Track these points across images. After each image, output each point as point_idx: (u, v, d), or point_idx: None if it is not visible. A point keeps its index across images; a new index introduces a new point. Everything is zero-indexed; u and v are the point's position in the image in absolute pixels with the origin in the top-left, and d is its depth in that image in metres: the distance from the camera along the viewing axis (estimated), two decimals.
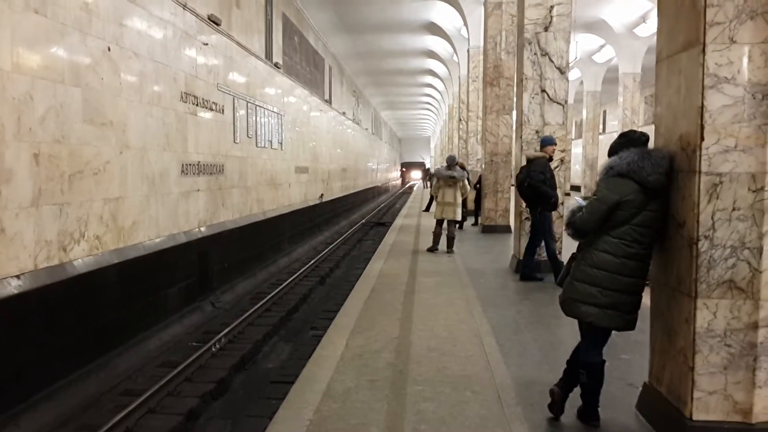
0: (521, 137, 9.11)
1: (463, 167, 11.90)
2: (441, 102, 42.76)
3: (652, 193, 3.51)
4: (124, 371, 6.93)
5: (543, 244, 8.45)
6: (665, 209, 3.59)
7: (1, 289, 5.30)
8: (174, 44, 8.89)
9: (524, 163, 8.92)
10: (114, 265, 7.10)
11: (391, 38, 23.97)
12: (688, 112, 3.39)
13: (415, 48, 26.12)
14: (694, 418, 3.34)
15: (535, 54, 8.84)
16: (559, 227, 8.55)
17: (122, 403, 5.89)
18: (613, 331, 3.75)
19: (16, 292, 5.45)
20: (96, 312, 6.81)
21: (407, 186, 65.21)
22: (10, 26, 5.48)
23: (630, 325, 3.66)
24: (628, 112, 24.97)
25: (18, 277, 5.55)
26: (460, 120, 23.56)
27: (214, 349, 7.66)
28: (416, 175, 68.18)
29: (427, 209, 20.39)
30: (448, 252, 11.10)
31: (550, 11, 8.78)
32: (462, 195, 11.21)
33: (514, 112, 10.74)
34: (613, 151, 3.74)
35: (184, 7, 9.20)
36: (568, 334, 5.16)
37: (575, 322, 3.84)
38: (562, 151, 8.78)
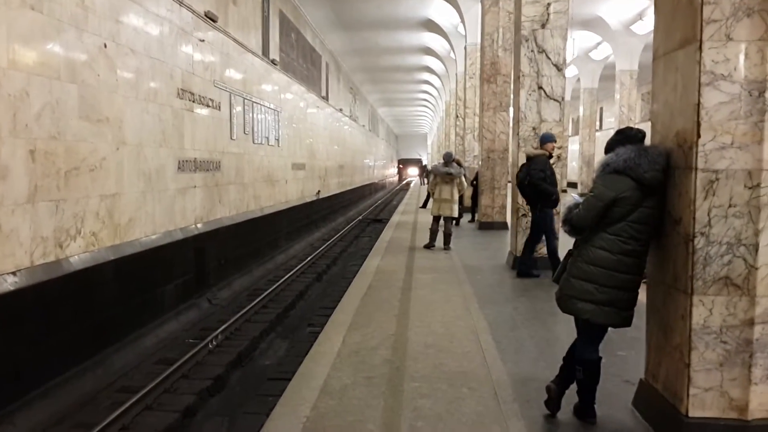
0: (518, 134, 9.10)
1: (459, 164, 11.90)
2: (438, 99, 42.74)
3: (648, 189, 3.51)
4: (120, 368, 6.92)
5: (543, 241, 8.45)
6: (662, 206, 3.59)
7: None
8: (170, 41, 8.87)
9: (522, 160, 8.93)
10: (110, 261, 7.09)
11: (388, 35, 23.93)
12: (685, 109, 3.39)
13: (412, 45, 26.09)
14: (690, 414, 3.35)
15: (532, 51, 8.84)
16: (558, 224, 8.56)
17: (119, 400, 5.88)
18: (609, 328, 3.76)
19: (12, 288, 5.44)
20: (92, 309, 6.80)
21: (404, 183, 65.21)
22: (6, 22, 5.45)
23: (626, 321, 3.67)
24: (625, 109, 24.98)
25: (14, 273, 5.54)
26: (457, 117, 23.54)
27: (210, 346, 7.66)
28: (413, 171, 68.14)
29: (424, 206, 20.39)
30: (445, 249, 11.11)
31: (547, 8, 8.78)
32: (459, 192, 11.22)
33: (511, 109, 10.75)
34: (609, 148, 3.74)
35: (181, 3, 9.17)
36: (565, 330, 5.16)
37: (572, 318, 3.84)
38: (559, 147, 8.77)
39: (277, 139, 15.36)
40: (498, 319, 6.28)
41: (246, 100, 12.65)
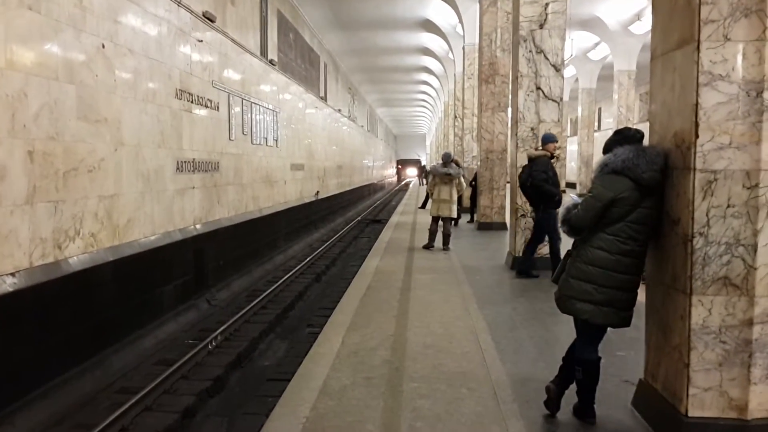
0: (516, 134, 9.11)
1: (457, 164, 11.90)
2: (437, 99, 42.75)
3: (646, 190, 3.52)
4: (119, 369, 6.92)
5: (545, 241, 8.43)
6: (660, 206, 3.60)
7: None
8: (169, 41, 8.86)
9: (521, 160, 8.94)
10: (109, 262, 7.09)
11: (387, 35, 23.94)
12: (683, 109, 3.40)
13: (410, 45, 26.10)
14: (690, 414, 3.36)
15: (530, 51, 8.85)
16: None
17: (118, 401, 5.88)
18: (608, 328, 3.76)
19: (11, 289, 5.44)
20: (91, 310, 6.80)
21: (403, 183, 65.21)
22: (4, 23, 5.45)
23: (625, 322, 3.67)
24: (623, 110, 25.00)
25: (13, 274, 5.53)
26: (455, 117, 23.55)
27: (210, 347, 7.66)
28: (412, 172, 68.13)
29: (423, 206, 20.40)
30: (444, 249, 11.11)
31: (545, 8, 8.79)
32: (458, 192, 11.22)
33: (510, 110, 10.76)
34: (608, 148, 3.74)
35: (179, 3, 9.17)
36: (564, 331, 5.17)
37: (571, 319, 3.84)
38: (558, 148, 8.77)
39: (276, 140, 15.35)
40: (497, 320, 6.28)
41: (244, 101, 12.65)
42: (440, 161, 11.43)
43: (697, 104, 3.27)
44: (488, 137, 14.37)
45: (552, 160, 8.21)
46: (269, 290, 10.76)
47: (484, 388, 4.40)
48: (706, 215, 3.29)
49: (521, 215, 9.11)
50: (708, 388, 3.35)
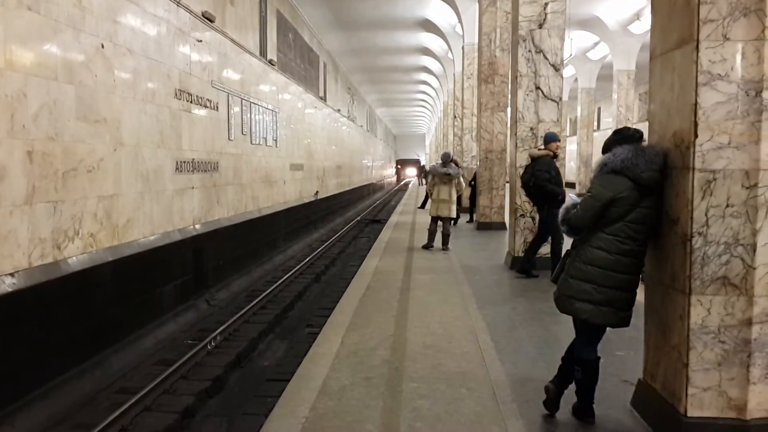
0: (516, 134, 9.11)
1: (456, 164, 11.91)
2: (436, 99, 42.76)
3: (646, 189, 3.52)
4: (119, 369, 6.92)
5: (549, 241, 8.43)
6: (659, 206, 3.60)
7: None
8: (168, 41, 8.86)
9: (520, 160, 8.94)
10: (108, 262, 7.08)
11: (386, 35, 23.94)
12: (682, 109, 3.40)
13: (409, 45, 26.10)
14: (689, 414, 3.36)
15: (529, 51, 8.85)
16: None
17: (118, 401, 5.87)
18: (607, 328, 3.76)
19: (10, 290, 5.44)
20: (91, 310, 6.79)
21: (402, 183, 65.21)
22: (3, 23, 5.45)
23: (624, 321, 3.68)
24: (623, 109, 25.01)
25: (12, 275, 5.53)
26: (455, 117, 23.55)
27: (209, 347, 7.66)
28: (411, 172, 68.13)
29: (423, 206, 20.40)
30: (443, 249, 11.11)
31: (545, 8, 8.79)
32: (457, 192, 11.22)
33: (509, 109, 10.77)
34: (607, 148, 3.75)
35: (178, 3, 9.17)
36: (563, 331, 5.17)
37: (570, 318, 3.85)
38: (557, 147, 8.77)
39: (275, 140, 15.35)
40: (496, 320, 6.29)
41: (244, 101, 12.65)
42: (439, 161, 11.43)
43: (696, 104, 3.27)
44: (487, 137, 14.37)
45: (555, 159, 8.20)
46: (269, 290, 10.76)
47: (484, 388, 4.40)
48: (705, 215, 3.29)
49: (520, 215, 9.11)
50: (707, 388, 3.35)
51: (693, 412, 3.35)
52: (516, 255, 9.12)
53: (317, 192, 20.91)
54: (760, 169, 3.21)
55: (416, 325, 6.05)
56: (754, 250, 3.25)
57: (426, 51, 27.19)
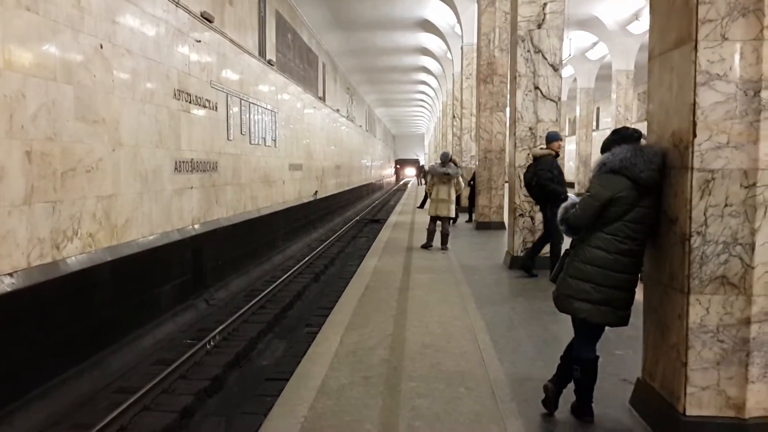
0: (515, 134, 9.12)
1: (455, 164, 11.91)
2: (435, 99, 42.78)
3: (644, 189, 3.52)
4: (118, 369, 6.92)
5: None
6: (658, 206, 3.60)
7: None
8: (167, 41, 8.86)
9: (519, 160, 8.95)
10: (107, 262, 7.08)
11: (385, 35, 23.94)
12: (681, 108, 3.40)
13: (408, 45, 26.10)
14: (687, 413, 3.36)
15: (528, 51, 8.85)
16: None
17: (116, 401, 5.87)
18: (606, 327, 3.77)
19: (9, 290, 5.43)
20: (89, 310, 6.79)
21: (401, 183, 65.22)
22: (1, 24, 5.45)
23: (623, 321, 3.68)
24: (621, 109, 25.03)
25: (11, 275, 5.53)
26: (453, 117, 23.56)
27: (208, 347, 7.65)
28: (410, 172, 68.15)
29: (422, 206, 20.41)
30: (442, 249, 11.11)
31: (543, 8, 8.79)
32: (456, 192, 11.23)
33: (508, 109, 10.76)
34: (605, 147, 3.75)
35: (177, 4, 9.17)
36: (562, 330, 5.17)
37: (569, 318, 3.85)
38: (559, 147, 8.76)
39: (274, 140, 15.35)
40: (495, 319, 6.29)
41: (243, 101, 12.64)
42: (438, 161, 11.43)
43: (694, 103, 3.27)
44: (486, 137, 14.38)
45: (557, 158, 8.20)
46: (268, 290, 10.76)
47: (483, 387, 4.40)
48: (704, 214, 3.30)
49: (519, 215, 9.11)
50: (705, 387, 3.35)
51: (692, 411, 3.36)
52: (515, 254, 9.13)
53: (316, 192, 20.91)
54: (759, 168, 3.22)
55: (415, 324, 6.06)
56: (753, 250, 3.26)
57: (425, 51, 27.20)
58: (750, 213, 3.25)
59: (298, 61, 19.32)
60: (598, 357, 3.79)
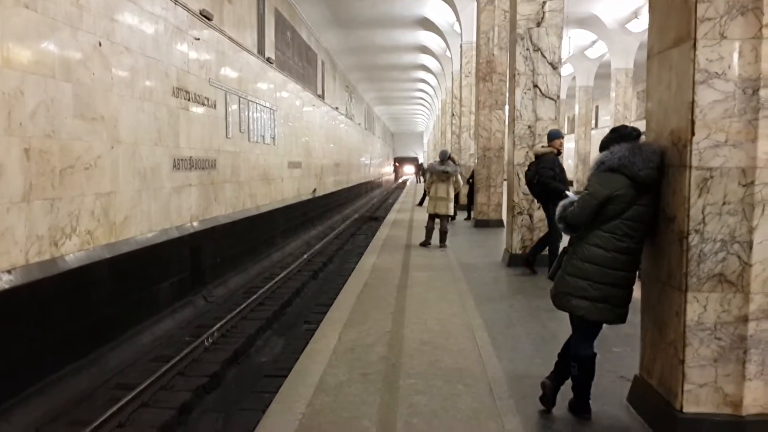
0: (514, 132, 9.12)
1: (454, 162, 11.91)
2: (434, 97, 42.75)
3: (642, 187, 3.53)
4: (116, 366, 6.92)
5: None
6: (656, 204, 3.61)
7: None
8: (165, 39, 8.85)
9: (518, 158, 8.96)
10: (106, 260, 7.08)
11: (384, 33, 23.92)
12: (679, 107, 3.41)
13: (407, 43, 26.08)
14: (685, 410, 3.37)
15: (527, 49, 8.85)
16: None
17: (115, 397, 5.87)
18: (604, 325, 3.78)
19: (7, 287, 5.43)
20: (88, 307, 6.79)
21: (400, 181, 65.23)
22: (0, 21, 5.44)
23: (621, 318, 3.69)
24: (621, 108, 25.02)
25: (9, 272, 5.53)
26: (453, 115, 23.57)
27: (206, 344, 7.66)
28: (409, 170, 68.15)
29: (421, 203, 20.41)
30: (440, 246, 11.13)
31: (543, 7, 8.80)
32: (455, 190, 11.24)
33: (507, 107, 10.77)
34: (604, 146, 3.76)
35: (176, 1, 9.15)
36: (560, 327, 5.18)
37: (567, 315, 3.86)
38: (560, 144, 8.76)
39: (273, 138, 15.34)
40: (494, 317, 6.30)
41: (241, 99, 12.63)
42: (437, 159, 11.44)
43: (693, 102, 3.28)
44: (485, 135, 14.38)
45: (558, 156, 8.20)
46: (266, 287, 10.77)
47: (481, 384, 4.41)
48: (702, 212, 3.31)
49: (518, 212, 9.12)
50: (703, 384, 3.36)
51: (689, 408, 3.37)
52: (513, 252, 9.14)
53: (315, 189, 20.91)
54: (757, 167, 3.23)
55: (413, 321, 6.07)
56: (751, 248, 3.27)
57: (424, 49, 27.18)
58: (748, 211, 3.26)
59: (297, 59, 19.30)
60: (595, 354, 3.80)
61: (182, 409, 5.87)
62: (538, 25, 8.81)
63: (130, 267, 7.62)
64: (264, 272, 12.88)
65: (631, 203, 3.54)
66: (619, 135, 3.72)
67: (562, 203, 3.79)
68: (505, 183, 11.99)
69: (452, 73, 23.60)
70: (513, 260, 9.05)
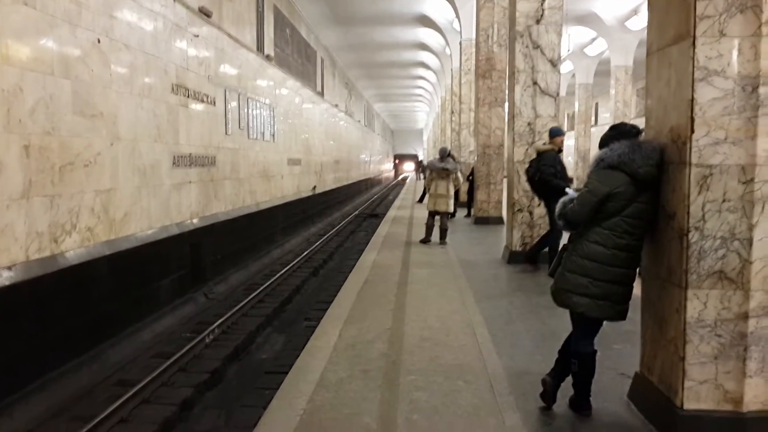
0: (513, 129, 9.12)
1: (454, 159, 11.91)
2: (434, 94, 42.72)
3: (642, 184, 3.54)
4: (117, 362, 6.93)
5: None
6: (656, 201, 3.61)
7: None
8: (165, 36, 8.84)
9: (518, 155, 8.96)
10: (106, 256, 7.09)
11: (384, 30, 23.90)
12: (679, 104, 3.41)
13: (407, 40, 26.07)
14: (685, 407, 3.38)
15: (527, 47, 8.85)
16: None
17: (116, 394, 5.89)
18: (604, 322, 3.79)
19: (7, 283, 5.44)
20: (88, 303, 6.80)
21: (400, 178, 65.23)
22: None
23: (621, 315, 3.70)
24: (620, 105, 25.02)
25: (9, 268, 5.53)
26: (452, 112, 23.56)
27: (207, 340, 7.67)
28: (409, 167, 68.19)
29: (421, 201, 20.41)
30: (440, 243, 11.13)
31: (542, 4, 8.79)
32: (455, 187, 11.24)
33: (507, 105, 10.77)
34: (604, 143, 3.76)
35: None
36: (560, 324, 5.19)
37: (567, 312, 3.87)
38: (561, 142, 8.76)
39: (273, 135, 15.34)
40: (494, 313, 6.31)
41: (241, 96, 12.63)
42: (437, 156, 11.44)
43: (692, 99, 3.28)
44: (485, 132, 14.37)
45: (559, 154, 8.21)
46: (267, 284, 10.77)
47: (481, 380, 4.42)
48: (702, 210, 3.31)
49: (518, 210, 9.13)
50: (703, 381, 3.37)
51: (689, 404, 3.38)
52: (513, 249, 9.15)
53: (315, 186, 20.91)
54: (757, 164, 3.23)
55: (414, 318, 6.07)
56: (751, 245, 3.27)
57: (423, 46, 27.16)
58: (748, 208, 3.27)
59: (296, 56, 19.28)
60: (596, 351, 3.81)
61: (183, 405, 5.88)
62: (538, 22, 8.81)
63: (130, 264, 7.62)
64: (264, 269, 12.89)
65: (630, 200, 3.54)
66: (619, 132, 3.72)
67: (562, 200, 3.79)
68: (505, 180, 12.00)
69: (452, 70, 23.58)
70: (513, 257, 9.06)
